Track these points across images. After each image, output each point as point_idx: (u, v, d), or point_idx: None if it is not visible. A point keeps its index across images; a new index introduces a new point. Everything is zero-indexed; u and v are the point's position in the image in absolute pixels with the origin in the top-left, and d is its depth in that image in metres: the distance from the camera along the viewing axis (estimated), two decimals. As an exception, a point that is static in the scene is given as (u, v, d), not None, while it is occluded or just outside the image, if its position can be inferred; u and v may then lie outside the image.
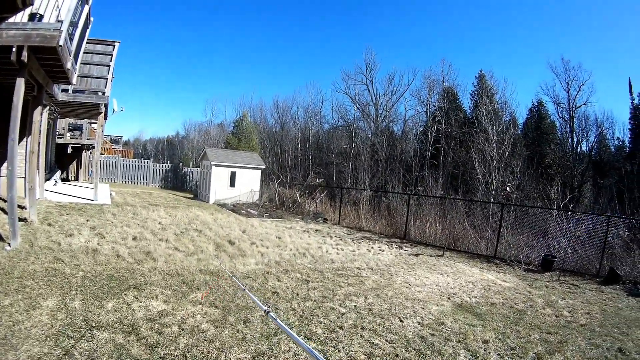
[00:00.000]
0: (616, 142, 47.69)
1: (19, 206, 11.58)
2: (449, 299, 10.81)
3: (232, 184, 34.19)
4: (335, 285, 11.02)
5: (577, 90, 46.17)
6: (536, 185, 36.78)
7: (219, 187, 33.55)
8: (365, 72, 60.29)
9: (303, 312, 8.44)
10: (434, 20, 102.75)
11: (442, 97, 54.31)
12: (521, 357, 7.17)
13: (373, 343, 7.13)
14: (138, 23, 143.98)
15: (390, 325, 8.23)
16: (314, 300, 9.35)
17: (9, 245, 9.71)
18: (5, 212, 11.42)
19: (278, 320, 3.24)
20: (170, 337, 6.42)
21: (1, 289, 7.29)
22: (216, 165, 33.33)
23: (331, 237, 20.10)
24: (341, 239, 19.62)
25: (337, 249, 16.64)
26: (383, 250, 17.41)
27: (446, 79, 55.63)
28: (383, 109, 58.86)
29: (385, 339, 7.36)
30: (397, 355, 6.71)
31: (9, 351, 5.36)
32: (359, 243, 18.91)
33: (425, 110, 56.15)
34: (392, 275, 12.88)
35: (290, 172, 60.81)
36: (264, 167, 38.32)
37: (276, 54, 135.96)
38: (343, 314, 8.65)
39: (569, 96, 46.87)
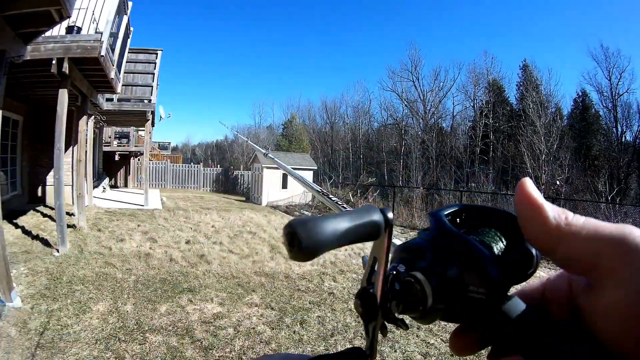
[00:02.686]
0: (660, 129, 45.98)
1: (68, 213, 11.62)
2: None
3: (284, 185, 33.91)
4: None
5: (619, 77, 44.14)
6: (584, 177, 36.00)
7: (271, 189, 33.48)
8: (410, 68, 59.29)
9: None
10: (471, 11, 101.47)
11: (488, 90, 53.08)
12: None
13: (429, 343, 6.93)
14: (183, 30, 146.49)
15: (446, 325, 7.91)
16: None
17: (58, 251, 9.74)
18: (53, 220, 11.45)
19: (270, 155, 3.08)
20: (226, 339, 6.28)
21: (49, 294, 7.25)
22: (267, 168, 33.11)
23: (386, 237, 19.63)
24: (395, 238, 19.10)
25: (392, 249, 16.17)
26: (439, 250, 16.92)
27: (490, 72, 54.36)
28: (431, 105, 57.70)
29: (441, 339, 7.15)
30: (452, 355, 6.42)
31: (56, 355, 5.25)
32: (414, 242, 18.44)
33: (472, 104, 55.19)
34: (449, 275, 12.52)
35: (342, 172, 60.40)
36: (316, 167, 37.98)
37: (320, 55, 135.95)
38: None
39: (610, 84, 44.78)
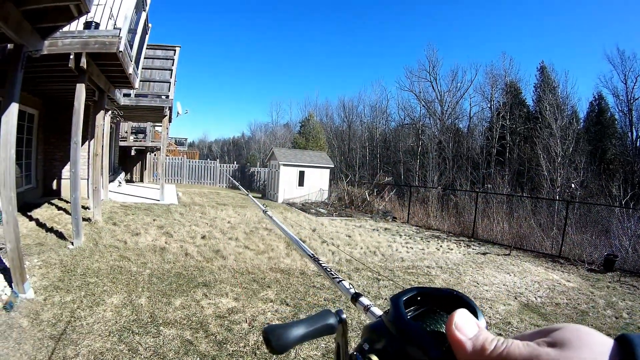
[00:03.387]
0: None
1: (84, 207, 11.70)
2: (515, 298, 10.57)
3: (301, 183, 34.09)
4: (405, 283, 10.77)
5: (635, 81, 43.73)
6: (599, 181, 35.84)
7: (287, 186, 33.53)
8: (428, 68, 59.17)
9: (358, 310, 8.14)
10: (490, 12, 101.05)
11: (505, 92, 52.77)
12: None
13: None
14: (201, 26, 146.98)
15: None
16: (385, 299, 9.12)
17: (72, 243, 9.80)
18: (68, 213, 11.53)
19: (269, 213, 3.14)
20: (240, 334, 6.29)
21: (62, 286, 7.28)
22: (284, 165, 33.26)
23: (400, 235, 19.76)
24: (410, 238, 19.24)
25: (407, 247, 16.33)
26: (451, 249, 17.04)
27: (508, 73, 54.02)
28: (448, 105, 57.74)
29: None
30: (464, 355, 6.40)
31: (68, 346, 5.25)
32: (428, 242, 18.54)
33: (489, 106, 54.93)
34: (461, 274, 12.55)
35: (359, 170, 60.48)
36: (332, 166, 37.96)
37: (338, 53, 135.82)
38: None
39: (626, 88, 44.51)
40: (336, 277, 1.76)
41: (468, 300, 0.80)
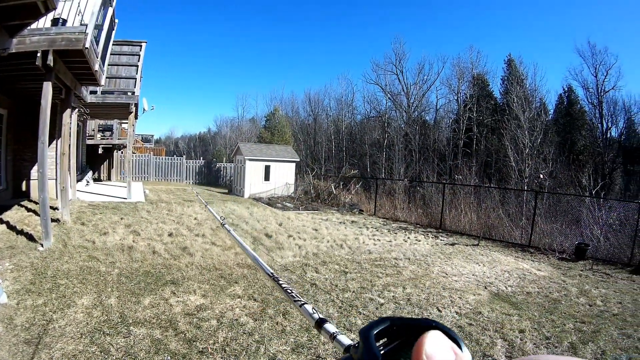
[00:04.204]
0: (645, 126, 46.50)
1: (52, 207, 11.65)
2: (485, 288, 10.66)
3: (267, 177, 34.05)
4: (373, 276, 10.87)
5: (605, 74, 44.92)
6: (568, 172, 36.33)
7: (253, 181, 33.46)
8: (394, 61, 59.57)
9: (342, 304, 8.34)
10: (459, 5, 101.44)
11: (472, 84, 53.54)
12: (556, 347, 7.11)
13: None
14: (165, 21, 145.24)
15: (429, 315, 8.16)
16: (353, 292, 9.23)
17: (42, 245, 9.79)
18: (37, 214, 11.47)
19: (227, 227, 3.24)
20: (209, 331, 6.38)
21: (34, 289, 7.32)
22: (250, 160, 33.21)
23: (367, 228, 19.90)
24: (377, 230, 19.40)
25: (374, 239, 16.47)
26: (419, 240, 17.16)
27: (475, 66, 54.74)
28: (414, 98, 58.14)
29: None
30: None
31: (42, 350, 5.32)
32: (396, 233, 18.68)
33: (456, 98, 55.46)
34: (429, 265, 12.68)
35: (325, 164, 60.68)
36: (298, 160, 37.97)
37: (305, 47, 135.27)
38: (382, 304, 8.53)
39: (597, 81, 45.68)
40: (298, 300, 1.76)
41: (449, 332, 0.67)
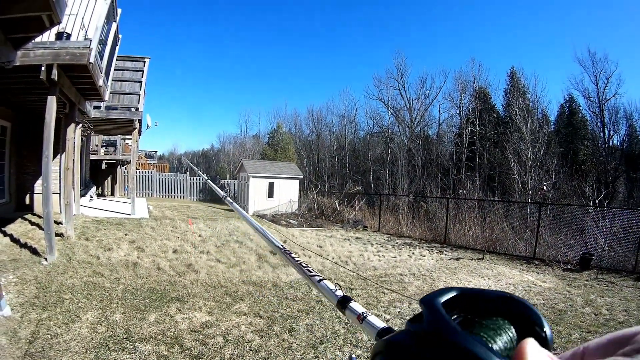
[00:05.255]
0: (647, 133, 46.39)
1: (56, 222, 11.61)
2: (491, 302, 10.56)
3: (271, 194, 34.03)
4: (378, 292, 10.82)
5: (606, 82, 44.71)
6: (571, 182, 36.31)
7: (257, 198, 33.49)
8: (396, 76, 59.26)
9: (348, 320, 8.21)
10: (459, 19, 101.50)
11: (474, 97, 53.39)
12: None
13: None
14: (169, 38, 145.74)
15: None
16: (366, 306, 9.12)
17: (46, 259, 9.74)
18: (41, 228, 11.46)
19: (229, 199, 3.20)
20: (215, 348, 6.34)
21: (38, 303, 7.28)
22: (254, 177, 33.28)
23: (372, 244, 19.83)
24: (382, 246, 19.36)
25: (379, 255, 16.43)
26: (424, 256, 17.13)
27: (477, 79, 54.62)
28: (417, 113, 58.03)
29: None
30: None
31: (47, 364, 5.24)
32: (400, 249, 18.64)
33: (458, 112, 55.39)
34: (435, 280, 12.66)
35: (328, 180, 60.69)
36: (302, 176, 37.96)
37: (306, 64, 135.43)
38: (388, 320, 8.48)
39: (597, 89, 45.42)
40: (315, 275, 1.58)
41: (526, 307, 0.60)
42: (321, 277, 1.54)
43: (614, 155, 43.74)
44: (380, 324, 1.19)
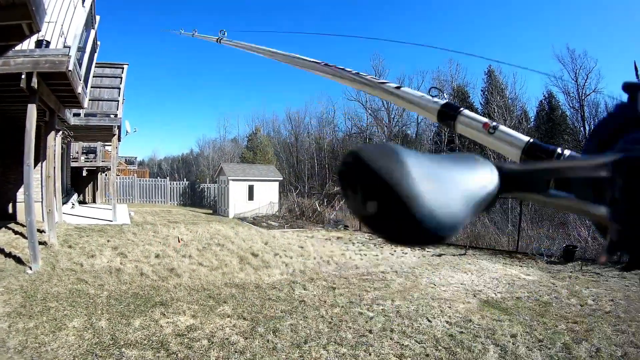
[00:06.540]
0: (627, 127, 46.40)
1: (38, 230, 11.58)
2: (474, 296, 10.73)
3: (251, 197, 34.14)
4: (361, 290, 10.91)
5: (585, 78, 45.34)
6: (552, 176, 36.65)
7: (237, 201, 33.52)
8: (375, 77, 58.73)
9: (332, 319, 8.35)
10: (437, 19, 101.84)
11: (452, 96, 52.64)
12: (549, 348, 7.17)
13: (403, 344, 7.09)
14: (146, 44, 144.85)
15: (419, 326, 8.16)
16: (342, 307, 9.26)
17: (30, 268, 9.74)
18: (24, 237, 11.44)
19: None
20: (201, 351, 6.41)
21: (25, 312, 7.30)
22: (233, 180, 33.39)
23: (353, 243, 20.00)
24: (364, 245, 19.46)
25: (361, 254, 16.53)
26: (406, 253, 17.16)
27: (455, 79, 55.48)
28: (395, 113, 58.63)
29: (414, 340, 7.33)
30: (427, 355, 6.68)
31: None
32: (382, 247, 18.64)
33: (437, 111, 54.64)
34: (417, 277, 12.75)
35: (308, 181, 60.70)
36: (282, 178, 38.23)
37: (284, 66, 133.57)
38: (371, 318, 8.56)
39: (577, 85, 46.04)
40: (384, 82, 1.14)
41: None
42: (396, 84, 1.06)
43: (595, 150, 44.06)
44: (526, 138, 0.97)
